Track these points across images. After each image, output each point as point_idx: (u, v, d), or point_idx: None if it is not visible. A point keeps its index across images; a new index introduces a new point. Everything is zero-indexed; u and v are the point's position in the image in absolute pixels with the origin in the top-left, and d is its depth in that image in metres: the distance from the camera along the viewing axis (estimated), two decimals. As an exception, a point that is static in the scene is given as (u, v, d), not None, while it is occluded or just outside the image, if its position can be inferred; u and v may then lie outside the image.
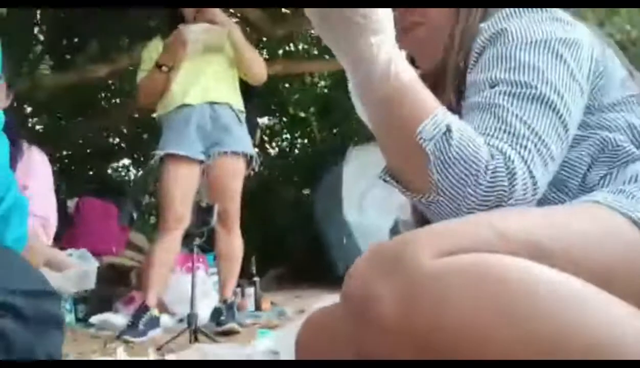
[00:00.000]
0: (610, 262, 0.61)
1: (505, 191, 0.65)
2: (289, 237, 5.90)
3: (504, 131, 0.68)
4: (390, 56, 0.68)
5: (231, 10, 5.18)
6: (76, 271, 2.43)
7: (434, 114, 0.67)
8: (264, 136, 6.46)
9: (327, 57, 5.98)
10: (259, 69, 2.74)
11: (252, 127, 3.12)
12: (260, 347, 1.43)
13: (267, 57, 5.41)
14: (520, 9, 0.78)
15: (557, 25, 0.75)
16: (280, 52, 6.12)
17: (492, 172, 0.64)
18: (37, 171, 2.54)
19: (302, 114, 6.81)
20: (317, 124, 6.62)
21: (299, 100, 6.63)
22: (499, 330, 0.52)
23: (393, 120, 0.69)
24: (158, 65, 2.57)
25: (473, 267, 0.55)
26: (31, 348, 0.46)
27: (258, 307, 3.18)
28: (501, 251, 0.56)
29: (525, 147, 0.67)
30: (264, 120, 6.93)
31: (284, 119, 7.21)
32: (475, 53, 0.78)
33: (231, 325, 2.39)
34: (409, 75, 0.69)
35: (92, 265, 3.11)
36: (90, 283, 2.90)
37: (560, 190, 0.75)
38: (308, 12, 0.71)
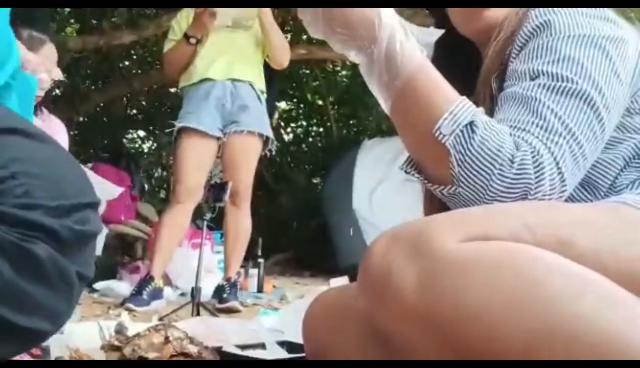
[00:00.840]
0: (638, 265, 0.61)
1: (531, 184, 0.64)
2: (296, 223, 5.91)
3: (537, 125, 0.67)
4: (398, 49, 0.68)
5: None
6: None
7: (453, 108, 0.66)
8: (280, 121, 6.45)
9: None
10: (283, 54, 2.72)
11: (269, 109, 3.13)
12: (266, 323, 1.43)
13: (290, 40, 5.40)
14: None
15: (603, 22, 0.74)
16: (305, 36, 6.10)
17: (518, 165, 0.64)
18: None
19: (320, 102, 6.79)
20: (334, 113, 6.58)
21: (318, 88, 6.60)
22: (517, 319, 0.52)
23: (410, 115, 0.69)
24: (186, 37, 2.56)
25: (498, 254, 0.54)
26: (63, 269, 0.44)
27: (260, 289, 3.19)
28: (527, 242, 0.56)
29: (557, 143, 0.66)
30: (281, 105, 6.93)
31: (301, 105, 7.19)
32: (519, 42, 0.77)
33: (233, 303, 2.40)
34: (421, 66, 0.69)
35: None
36: (99, 246, 2.91)
37: (588, 190, 0.74)
38: (301, 14, 0.72)
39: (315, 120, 7.24)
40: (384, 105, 0.73)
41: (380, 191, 4.36)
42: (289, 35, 6.00)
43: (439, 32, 0.74)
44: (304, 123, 7.32)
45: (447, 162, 0.66)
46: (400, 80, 0.68)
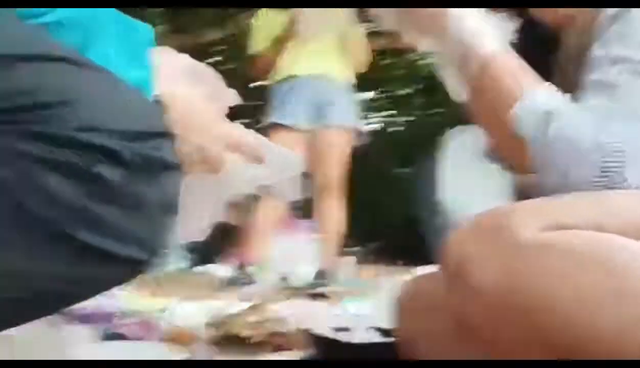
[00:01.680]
0: None
1: (614, 173, 0.61)
2: (386, 213, 5.90)
3: (620, 112, 0.64)
4: (471, 36, 0.67)
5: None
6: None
7: (530, 94, 0.65)
8: (366, 111, 6.43)
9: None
10: (362, 66, 2.75)
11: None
12: (356, 309, 1.46)
13: (375, 30, 5.36)
14: None
15: None
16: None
17: (600, 154, 0.62)
18: None
19: (404, 91, 6.69)
20: (419, 103, 6.46)
21: (402, 77, 6.50)
22: (606, 309, 0.51)
23: (486, 102, 0.69)
24: (274, 43, 2.62)
25: (579, 243, 0.53)
26: (139, 195, 0.42)
27: (354, 277, 3.23)
28: (610, 231, 0.55)
29: None
30: (366, 94, 6.90)
31: (385, 95, 7.13)
32: (599, 28, 0.73)
33: (327, 289, 2.46)
34: (496, 52, 0.67)
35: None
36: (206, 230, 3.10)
37: None
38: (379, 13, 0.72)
39: (399, 110, 7.16)
40: (459, 94, 0.72)
41: (467, 179, 4.26)
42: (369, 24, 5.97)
43: (517, 20, 0.72)
44: (388, 113, 7.26)
45: (525, 149, 0.64)
46: (475, 66, 0.68)
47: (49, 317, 1.03)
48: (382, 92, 7.11)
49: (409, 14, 0.70)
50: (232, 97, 0.76)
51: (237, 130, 0.72)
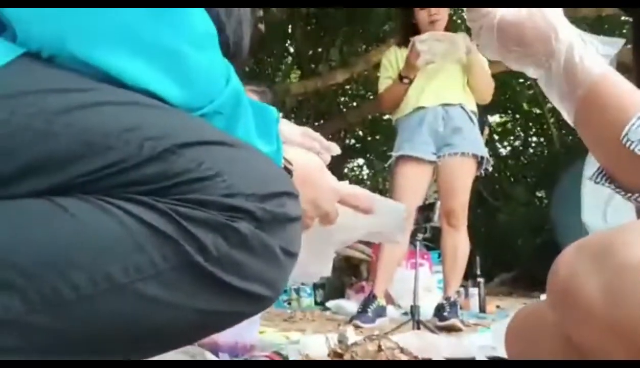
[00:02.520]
0: None
1: None
2: (520, 241, 5.62)
3: None
4: (577, 61, 0.68)
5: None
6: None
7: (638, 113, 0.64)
8: (494, 135, 6.26)
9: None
10: (486, 93, 2.73)
11: (480, 125, 3.10)
12: (477, 341, 1.45)
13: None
14: None
15: None
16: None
17: None
18: None
19: (538, 111, 6.40)
20: (555, 121, 6.15)
21: (534, 96, 6.25)
22: None
23: (595, 125, 0.68)
24: (401, 78, 2.69)
25: None
26: (265, 242, 0.53)
27: (482, 309, 3.14)
28: None
29: None
30: (494, 118, 6.71)
31: (517, 116, 6.87)
32: None
33: (453, 321, 2.43)
34: (603, 75, 0.67)
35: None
36: (328, 271, 3.22)
37: None
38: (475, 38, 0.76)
39: (533, 131, 6.84)
40: (568, 118, 0.73)
41: (615, 201, 3.94)
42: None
43: (620, 42, 0.72)
44: (522, 134, 6.97)
45: (638, 169, 0.64)
46: (582, 90, 0.68)
47: (195, 347, 1.17)
48: (512, 113, 6.88)
49: (515, 41, 0.72)
50: (335, 149, 0.87)
51: (346, 185, 0.83)
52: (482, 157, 2.66)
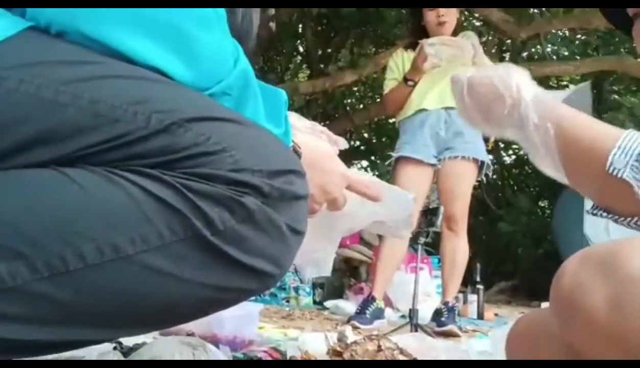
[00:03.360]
0: None
1: None
2: (521, 249, 5.63)
3: None
4: (532, 114, 0.70)
5: (475, 14, 5.18)
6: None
7: (619, 142, 0.66)
8: (499, 143, 6.26)
9: (577, 58, 5.56)
10: None
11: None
12: (476, 346, 1.46)
13: (509, 59, 5.26)
14: None
15: None
16: (525, 54, 5.88)
17: None
18: None
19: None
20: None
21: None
22: None
23: (579, 166, 0.71)
24: (405, 80, 2.70)
25: None
26: (272, 218, 0.53)
27: (480, 316, 3.15)
28: None
29: None
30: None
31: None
32: None
33: (451, 327, 2.43)
34: (562, 117, 0.70)
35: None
36: (328, 270, 3.23)
37: None
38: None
39: (539, 141, 6.82)
40: (553, 173, 0.76)
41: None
42: (507, 55, 5.86)
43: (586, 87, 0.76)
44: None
45: (630, 195, 0.65)
46: (553, 140, 0.70)
47: (196, 338, 1.18)
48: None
49: (479, 110, 0.75)
50: (342, 143, 0.88)
51: (355, 171, 0.83)
52: (482, 162, 2.66)
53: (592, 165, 0.69)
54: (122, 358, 1.04)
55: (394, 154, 2.75)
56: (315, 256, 0.90)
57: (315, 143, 0.78)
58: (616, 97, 5.76)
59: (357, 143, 7.08)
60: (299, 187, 0.56)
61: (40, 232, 0.47)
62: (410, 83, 2.68)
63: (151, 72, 0.53)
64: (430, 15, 2.67)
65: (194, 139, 0.50)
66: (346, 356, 1.04)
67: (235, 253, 0.52)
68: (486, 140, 2.94)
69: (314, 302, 3.52)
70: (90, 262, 0.48)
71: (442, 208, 2.33)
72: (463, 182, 2.65)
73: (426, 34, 2.67)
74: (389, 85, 2.81)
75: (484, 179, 2.77)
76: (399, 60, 2.81)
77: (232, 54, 0.59)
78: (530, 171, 6.80)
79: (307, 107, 5.49)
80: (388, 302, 2.94)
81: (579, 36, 5.94)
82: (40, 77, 0.49)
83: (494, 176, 6.34)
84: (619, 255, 0.57)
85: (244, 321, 1.46)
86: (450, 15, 2.66)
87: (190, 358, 1.00)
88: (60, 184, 0.48)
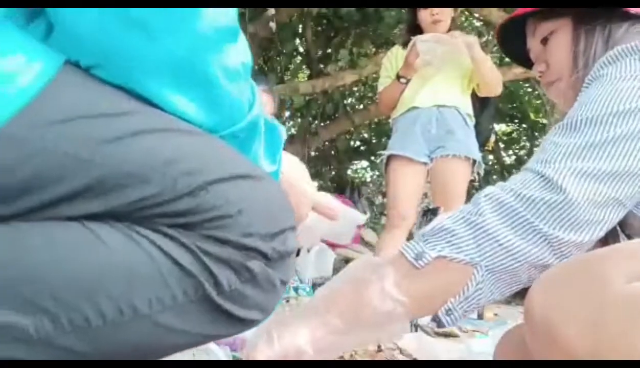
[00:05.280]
0: None
1: None
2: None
3: None
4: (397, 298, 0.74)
5: (475, 14, 5.18)
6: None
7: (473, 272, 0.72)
8: (499, 143, 6.26)
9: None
10: (495, 85, 2.68)
11: (486, 132, 3.08)
12: (476, 346, 1.46)
13: (507, 60, 5.26)
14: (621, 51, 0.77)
15: None
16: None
17: None
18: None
19: (544, 120, 6.40)
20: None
21: (541, 106, 6.26)
22: None
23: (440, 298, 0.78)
24: (398, 77, 2.69)
25: None
26: (270, 278, 0.58)
27: (480, 316, 3.14)
28: None
29: None
30: (501, 127, 6.71)
31: (524, 125, 6.87)
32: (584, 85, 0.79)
33: (450, 327, 2.42)
34: (410, 288, 0.75)
35: (329, 256, 3.48)
36: (328, 271, 3.25)
37: None
38: None
39: (539, 140, 6.83)
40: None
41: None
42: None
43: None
44: (527, 144, 6.97)
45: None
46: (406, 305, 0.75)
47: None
48: (519, 122, 6.87)
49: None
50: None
51: (319, 194, 0.92)
52: (474, 160, 2.64)
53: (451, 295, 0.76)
54: (122, 358, 1.04)
55: (385, 152, 2.74)
56: None
57: (291, 165, 0.85)
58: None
59: (357, 143, 7.08)
60: (292, 243, 0.61)
61: (67, 289, 0.50)
62: (402, 80, 2.67)
63: (178, 120, 0.56)
64: (424, 14, 2.66)
65: (214, 202, 0.54)
66: (346, 356, 1.04)
67: (234, 309, 0.57)
68: (486, 140, 2.93)
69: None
70: (109, 321, 0.52)
71: (442, 209, 2.33)
72: (455, 180, 2.63)
73: (421, 32, 2.66)
74: (383, 83, 2.81)
75: (476, 176, 2.75)
76: (393, 58, 2.80)
77: (249, 100, 0.63)
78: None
79: (307, 107, 5.49)
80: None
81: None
82: (77, 138, 0.50)
83: (494, 176, 6.34)
84: (595, 275, 0.55)
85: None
86: (445, 14, 2.64)
87: (190, 358, 1.00)
88: (88, 242, 0.51)
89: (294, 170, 0.83)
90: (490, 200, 0.73)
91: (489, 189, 0.76)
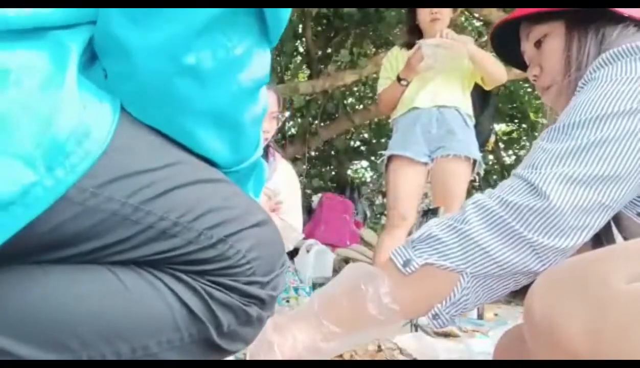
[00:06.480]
0: None
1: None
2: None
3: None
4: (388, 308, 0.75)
5: (475, 14, 5.18)
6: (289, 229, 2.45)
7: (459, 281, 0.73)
8: (499, 143, 6.26)
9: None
10: (499, 76, 2.67)
11: (486, 132, 3.08)
12: (476, 346, 1.46)
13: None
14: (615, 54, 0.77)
15: None
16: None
17: None
18: (288, 182, 2.63)
19: (544, 120, 6.41)
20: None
21: (541, 105, 6.26)
22: None
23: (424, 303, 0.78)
24: (398, 79, 2.69)
25: None
26: (262, 318, 0.64)
27: (480, 316, 3.14)
28: None
29: None
30: (501, 127, 6.70)
31: (524, 126, 6.87)
32: (579, 87, 0.79)
33: (450, 327, 2.42)
34: (397, 300, 0.76)
35: (329, 256, 3.48)
36: (328, 271, 3.25)
37: None
38: None
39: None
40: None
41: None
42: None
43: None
44: (527, 144, 6.96)
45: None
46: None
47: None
48: (519, 122, 6.87)
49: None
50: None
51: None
52: (474, 160, 2.64)
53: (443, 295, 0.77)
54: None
55: (386, 153, 2.74)
56: None
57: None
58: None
59: (357, 143, 7.08)
60: (281, 286, 0.66)
61: (90, 332, 0.55)
62: (403, 82, 2.67)
63: (207, 167, 0.61)
64: (423, 13, 2.67)
65: (228, 252, 0.59)
66: (346, 356, 1.04)
67: (225, 345, 0.62)
68: (486, 140, 2.93)
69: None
70: (122, 358, 0.57)
71: (442, 209, 2.33)
72: (456, 180, 2.63)
73: (420, 32, 2.67)
74: (383, 84, 2.81)
75: (476, 176, 2.75)
76: (393, 60, 2.80)
77: (257, 140, 0.68)
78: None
79: (307, 107, 5.49)
80: (388, 302, 2.93)
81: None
82: (126, 195, 0.54)
83: (494, 176, 6.34)
84: (595, 276, 0.55)
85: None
86: (443, 13, 2.65)
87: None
88: (113, 287, 0.56)
89: None
90: (477, 207, 0.73)
91: (476, 197, 0.77)
